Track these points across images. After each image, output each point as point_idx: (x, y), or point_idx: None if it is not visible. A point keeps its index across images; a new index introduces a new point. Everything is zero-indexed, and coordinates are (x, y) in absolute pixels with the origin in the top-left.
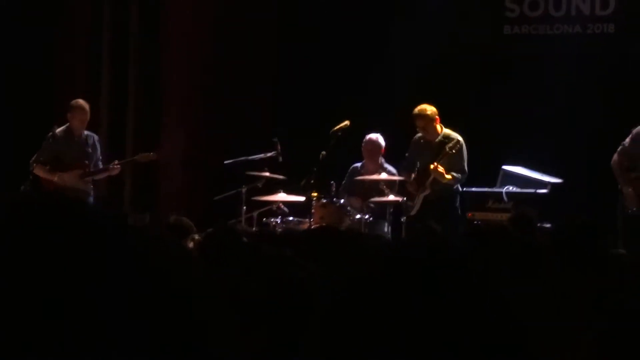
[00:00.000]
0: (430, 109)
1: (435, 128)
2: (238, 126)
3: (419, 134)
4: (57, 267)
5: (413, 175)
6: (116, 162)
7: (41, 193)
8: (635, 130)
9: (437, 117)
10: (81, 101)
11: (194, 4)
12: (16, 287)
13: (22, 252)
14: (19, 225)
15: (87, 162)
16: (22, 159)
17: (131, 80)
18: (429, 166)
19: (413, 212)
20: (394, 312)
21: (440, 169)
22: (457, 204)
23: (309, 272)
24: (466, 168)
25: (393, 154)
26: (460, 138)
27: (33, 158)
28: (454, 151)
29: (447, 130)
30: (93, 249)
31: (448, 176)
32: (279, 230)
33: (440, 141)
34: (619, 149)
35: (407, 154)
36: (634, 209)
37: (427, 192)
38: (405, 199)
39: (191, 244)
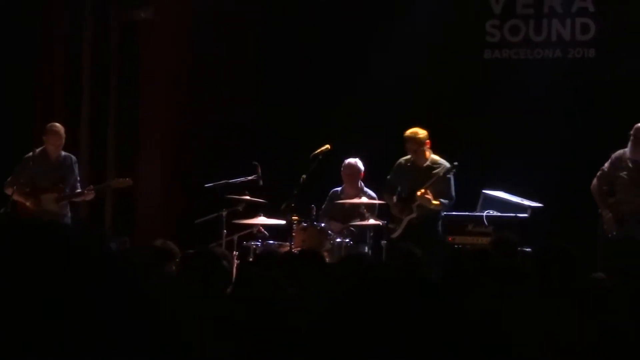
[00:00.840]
0: (422, 133)
1: (424, 152)
2: (218, 150)
3: (405, 157)
4: (43, 285)
5: (395, 198)
6: (91, 187)
7: (21, 217)
8: (614, 155)
9: (427, 141)
10: (56, 125)
11: (173, 28)
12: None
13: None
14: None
15: (61, 185)
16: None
17: (111, 102)
18: (417, 191)
19: (396, 235)
20: (369, 332)
21: (428, 195)
22: (439, 228)
23: (290, 295)
24: (454, 195)
25: (373, 178)
26: (448, 165)
27: (8, 179)
28: (447, 176)
29: (435, 157)
30: (74, 270)
31: (435, 202)
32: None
33: (428, 166)
34: (598, 174)
35: (389, 177)
36: (614, 232)
37: (413, 215)
38: (386, 222)
39: (174, 268)
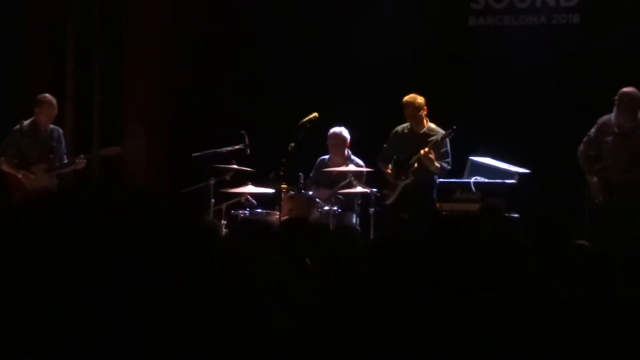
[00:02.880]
0: (420, 98)
1: (422, 118)
2: (205, 119)
3: (402, 126)
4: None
5: (390, 165)
6: (82, 156)
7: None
8: (600, 121)
9: (425, 107)
10: (49, 96)
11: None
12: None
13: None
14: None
15: (52, 156)
16: None
17: (95, 74)
18: (419, 153)
19: (389, 201)
20: (366, 309)
21: (431, 155)
22: (434, 195)
23: (280, 266)
24: (450, 160)
25: (360, 147)
26: (445, 132)
27: None
28: (440, 142)
29: (432, 124)
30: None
31: (437, 164)
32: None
33: (425, 133)
34: (584, 139)
35: (385, 145)
36: (600, 198)
37: (408, 180)
38: (376, 190)
39: None
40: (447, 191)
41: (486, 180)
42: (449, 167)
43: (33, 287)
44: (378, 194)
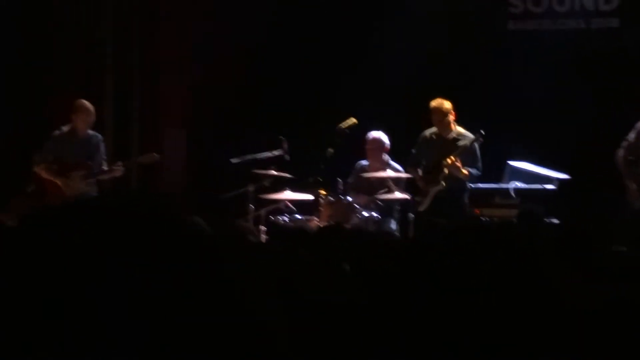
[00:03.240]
0: (447, 104)
1: (450, 123)
2: (244, 125)
3: (429, 130)
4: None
5: (420, 171)
6: (119, 163)
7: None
8: (638, 124)
9: (452, 112)
10: (86, 102)
11: (194, 6)
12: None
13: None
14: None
15: (90, 163)
16: (24, 160)
17: (134, 79)
18: (445, 160)
19: (422, 208)
20: (403, 309)
21: (458, 163)
22: (466, 200)
23: (319, 270)
24: (481, 166)
25: (399, 152)
26: (472, 136)
27: (37, 156)
28: (474, 146)
29: (460, 128)
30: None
31: (464, 171)
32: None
33: (453, 138)
34: (623, 144)
35: (413, 150)
36: (638, 204)
37: (439, 187)
38: (412, 196)
39: None
40: (487, 197)
41: (525, 185)
42: (479, 173)
43: (35, 288)
44: (416, 199)
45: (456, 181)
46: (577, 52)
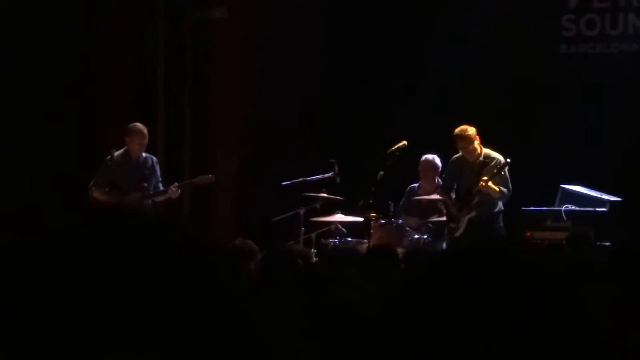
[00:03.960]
0: (471, 129)
1: (475, 148)
2: (295, 147)
3: (458, 155)
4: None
5: (453, 196)
6: (176, 184)
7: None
8: None
9: (477, 137)
10: (139, 125)
11: (245, 28)
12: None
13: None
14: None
15: (145, 184)
16: (79, 185)
17: (186, 102)
18: (477, 185)
19: (458, 234)
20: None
21: (491, 183)
22: (501, 223)
23: (366, 292)
24: (510, 186)
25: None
26: (501, 157)
27: (91, 182)
28: (502, 173)
29: (487, 150)
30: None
31: (496, 188)
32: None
33: (481, 162)
34: None
35: (444, 175)
36: None
37: (472, 214)
38: (446, 219)
39: (254, 267)
40: (538, 219)
41: (577, 208)
42: (508, 192)
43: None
44: (451, 226)
45: (488, 206)
46: (630, 75)
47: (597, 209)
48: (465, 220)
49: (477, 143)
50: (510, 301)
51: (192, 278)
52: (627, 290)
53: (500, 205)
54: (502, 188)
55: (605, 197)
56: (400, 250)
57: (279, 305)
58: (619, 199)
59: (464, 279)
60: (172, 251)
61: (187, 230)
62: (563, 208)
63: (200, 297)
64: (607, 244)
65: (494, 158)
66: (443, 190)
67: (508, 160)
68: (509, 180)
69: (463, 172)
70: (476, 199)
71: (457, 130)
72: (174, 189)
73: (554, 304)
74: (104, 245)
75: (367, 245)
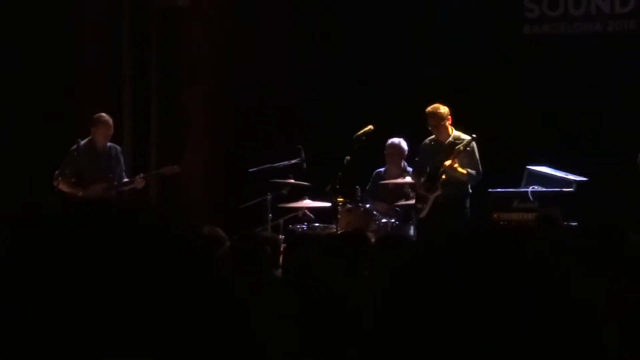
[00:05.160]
0: (443, 108)
1: (446, 128)
2: (261, 134)
3: (430, 137)
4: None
5: (422, 179)
6: (141, 175)
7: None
8: None
9: (449, 117)
10: (105, 115)
11: (211, 14)
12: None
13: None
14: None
15: (111, 175)
16: (45, 174)
17: (152, 91)
18: (443, 165)
19: (423, 215)
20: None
21: (456, 165)
22: (467, 205)
23: (338, 277)
24: (480, 168)
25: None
26: (470, 138)
27: (57, 172)
28: (468, 149)
29: (457, 132)
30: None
31: (463, 170)
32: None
33: (450, 142)
34: None
35: (417, 159)
36: None
37: (438, 192)
38: (414, 201)
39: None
40: (505, 201)
41: (543, 189)
42: (477, 175)
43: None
44: (417, 206)
45: (455, 186)
46: (593, 55)
47: (563, 190)
48: (431, 199)
49: (448, 123)
50: (488, 286)
51: (170, 267)
52: (599, 267)
53: (468, 187)
54: (470, 170)
55: (571, 177)
56: (369, 235)
57: (262, 294)
58: (585, 179)
59: (438, 266)
60: (147, 240)
61: (159, 217)
62: (530, 189)
63: (180, 287)
64: (574, 224)
65: (463, 139)
66: (415, 173)
67: (473, 135)
68: (479, 162)
69: (433, 154)
70: (443, 178)
71: (429, 108)
72: (139, 180)
73: (534, 287)
74: (75, 240)
75: (334, 230)
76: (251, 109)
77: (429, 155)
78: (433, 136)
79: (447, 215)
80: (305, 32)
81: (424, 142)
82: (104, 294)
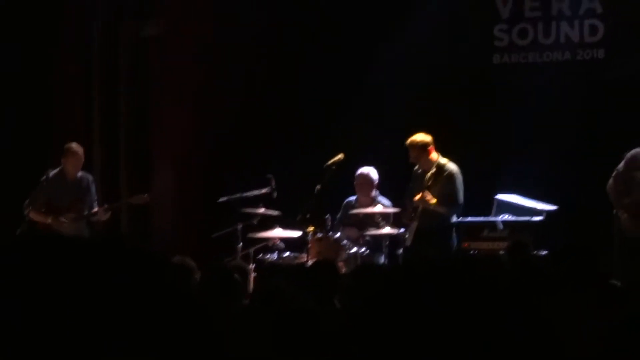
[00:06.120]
0: (420, 139)
1: (427, 158)
2: (231, 164)
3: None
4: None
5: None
6: (105, 205)
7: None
8: (628, 155)
9: (430, 146)
10: (74, 145)
11: (182, 45)
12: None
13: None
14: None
15: (80, 205)
16: (17, 203)
17: (122, 120)
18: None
19: (408, 243)
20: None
21: (428, 196)
22: (452, 237)
23: (306, 304)
24: (459, 198)
25: (392, 187)
26: (453, 167)
27: (27, 202)
28: (444, 181)
29: (443, 160)
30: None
31: (433, 201)
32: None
33: (433, 172)
34: (613, 174)
35: (410, 185)
36: (630, 233)
37: (415, 222)
38: (403, 230)
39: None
40: (475, 230)
41: (513, 218)
42: (453, 205)
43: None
44: (405, 236)
45: (432, 217)
46: (563, 83)
47: (533, 219)
48: (413, 228)
49: (429, 153)
50: (457, 313)
51: (139, 298)
52: (571, 291)
53: (448, 218)
54: (442, 201)
55: (541, 206)
56: (339, 265)
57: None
58: (554, 207)
59: (408, 293)
60: (117, 273)
61: (129, 249)
62: (499, 218)
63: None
64: (544, 252)
65: (447, 168)
66: (407, 198)
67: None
68: (458, 192)
69: (419, 182)
70: (420, 208)
71: (408, 140)
72: (102, 211)
73: (505, 313)
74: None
75: (304, 259)
76: (221, 138)
77: (416, 183)
78: None
79: (427, 245)
80: (276, 59)
81: (415, 169)
82: (70, 328)
